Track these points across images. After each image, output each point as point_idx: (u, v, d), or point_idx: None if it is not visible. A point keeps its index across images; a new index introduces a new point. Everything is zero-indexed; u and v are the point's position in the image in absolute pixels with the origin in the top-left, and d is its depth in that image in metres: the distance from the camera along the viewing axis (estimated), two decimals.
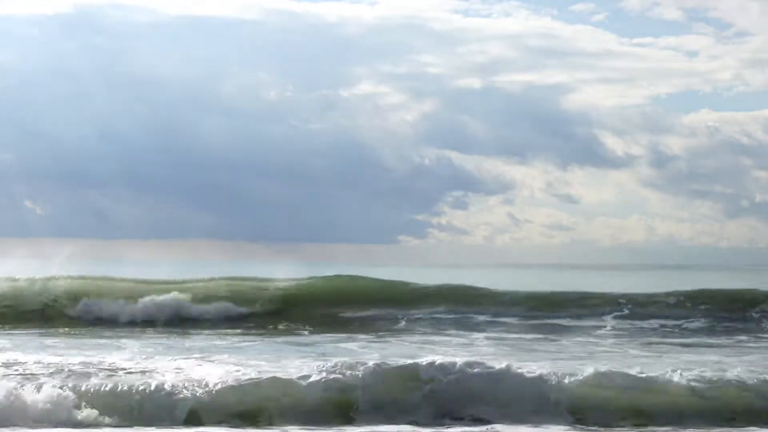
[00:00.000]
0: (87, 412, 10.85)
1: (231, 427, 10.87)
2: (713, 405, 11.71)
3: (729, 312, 23.85)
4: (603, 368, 12.34)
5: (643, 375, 12.16)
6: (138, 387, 11.29)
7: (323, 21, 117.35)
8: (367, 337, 20.46)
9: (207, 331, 21.52)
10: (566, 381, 11.75)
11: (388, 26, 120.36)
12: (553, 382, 11.68)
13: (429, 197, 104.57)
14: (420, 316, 23.67)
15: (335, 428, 10.89)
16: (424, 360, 12.04)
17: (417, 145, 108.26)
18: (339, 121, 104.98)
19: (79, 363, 12.83)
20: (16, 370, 12.48)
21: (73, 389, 11.18)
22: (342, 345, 18.67)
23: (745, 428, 11.18)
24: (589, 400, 11.66)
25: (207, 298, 24.29)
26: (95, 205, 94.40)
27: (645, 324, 22.92)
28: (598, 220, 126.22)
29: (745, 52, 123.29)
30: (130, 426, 10.72)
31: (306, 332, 21.64)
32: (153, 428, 10.67)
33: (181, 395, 11.19)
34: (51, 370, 12.25)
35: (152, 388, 11.27)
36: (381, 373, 11.66)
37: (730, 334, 21.80)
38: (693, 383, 12.06)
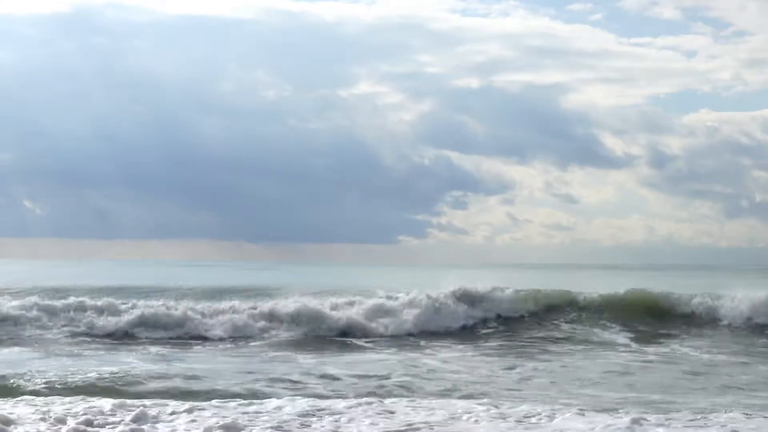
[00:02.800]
0: None
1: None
2: None
3: None
4: None
5: None
6: None
7: (321, 20, 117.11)
8: None
9: None
10: None
11: (386, 26, 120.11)
12: None
13: (429, 197, 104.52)
14: None
15: None
16: None
17: (416, 145, 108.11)
18: (338, 120, 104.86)
19: None
20: None
21: None
22: None
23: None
24: None
25: None
26: (95, 206, 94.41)
27: None
28: (598, 220, 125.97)
29: (744, 51, 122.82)
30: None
31: None
32: None
33: None
34: None
35: None
36: None
37: None
38: None
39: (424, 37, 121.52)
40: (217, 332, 23.28)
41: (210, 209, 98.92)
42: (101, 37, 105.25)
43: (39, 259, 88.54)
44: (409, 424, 10.60)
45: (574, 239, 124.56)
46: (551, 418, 11.10)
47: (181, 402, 11.89)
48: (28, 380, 14.50)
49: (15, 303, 24.85)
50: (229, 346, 21.72)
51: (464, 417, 11.08)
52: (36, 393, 13.32)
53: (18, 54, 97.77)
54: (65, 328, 23.44)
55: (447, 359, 18.68)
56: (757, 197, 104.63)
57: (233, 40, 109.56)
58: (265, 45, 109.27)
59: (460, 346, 21.24)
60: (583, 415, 11.32)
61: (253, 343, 22.04)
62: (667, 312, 25.70)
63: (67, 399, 12.10)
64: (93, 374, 14.93)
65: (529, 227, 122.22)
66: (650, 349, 20.94)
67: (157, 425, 10.47)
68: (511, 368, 17.28)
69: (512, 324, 25.07)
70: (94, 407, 11.33)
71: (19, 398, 12.28)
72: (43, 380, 14.49)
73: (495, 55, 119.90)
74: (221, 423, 10.49)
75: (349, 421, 10.81)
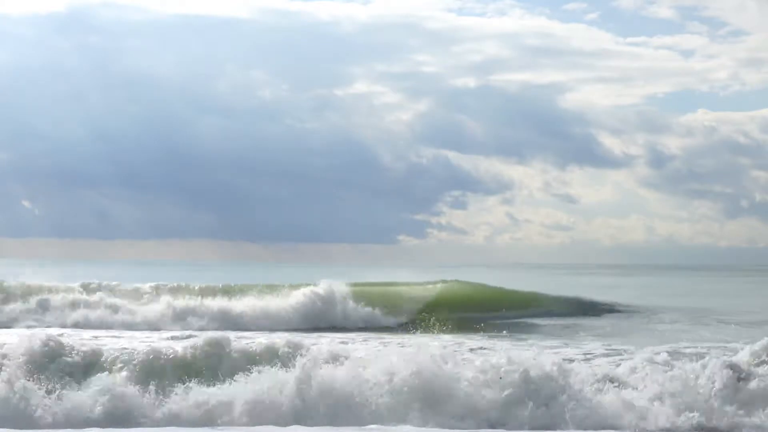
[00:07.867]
0: None
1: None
2: None
3: None
4: None
5: None
6: None
7: (317, 20, 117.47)
8: None
9: None
10: None
11: (382, 25, 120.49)
12: None
13: (428, 197, 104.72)
14: None
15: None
16: None
17: (414, 145, 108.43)
18: (335, 120, 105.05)
19: None
20: None
21: None
22: None
23: None
24: None
25: None
26: (93, 206, 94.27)
27: None
28: (598, 220, 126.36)
29: (741, 51, 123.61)
30: None
31: None
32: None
33: None
34: None
35: None
36: None
37: None
38: None
39: (420, 36, 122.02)
40: None
41: (210, 209, 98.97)
42: (97, 37, 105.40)
43: (39, 259, 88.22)
44: None
45: (574, 239, 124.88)
46: None
47: None
48: None
49: None
50: None
51: None
52: None
53: (14, 54, 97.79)
54: None
55: None
56: (757, 197, 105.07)
57: (229, 40, 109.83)
58: (261, 44, 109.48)
59: None
60: None
61: None
62: None
63: None
64: None
65: (528, 227, 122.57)
66: None
67: None
68: None
69: None
70: None
71: None
72: None
73: (492, 55, 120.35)
74: None
75: None
